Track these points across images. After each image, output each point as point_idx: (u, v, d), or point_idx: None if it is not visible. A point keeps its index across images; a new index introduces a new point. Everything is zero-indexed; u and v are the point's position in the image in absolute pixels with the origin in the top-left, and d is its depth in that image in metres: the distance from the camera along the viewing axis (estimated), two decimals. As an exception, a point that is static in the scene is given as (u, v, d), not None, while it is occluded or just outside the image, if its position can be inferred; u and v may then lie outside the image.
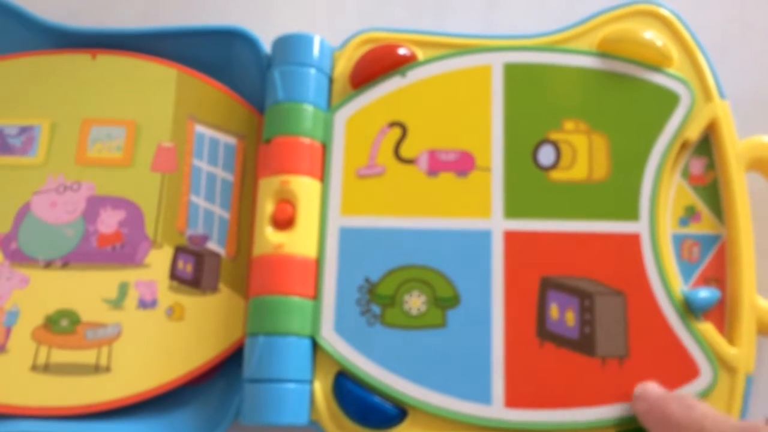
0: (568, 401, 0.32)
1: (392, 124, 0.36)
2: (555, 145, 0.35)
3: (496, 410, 0.32)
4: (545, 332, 0.33)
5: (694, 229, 0.34)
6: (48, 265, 0.35)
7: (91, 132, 0.37)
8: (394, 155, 0.35)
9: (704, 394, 0.31)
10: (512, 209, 0.34)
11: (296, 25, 0.38)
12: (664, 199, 0.34)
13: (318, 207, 0.35)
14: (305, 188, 0.34)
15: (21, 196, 0.36)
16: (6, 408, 0.33)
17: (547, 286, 0.33)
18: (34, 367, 0.34)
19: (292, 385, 0.32)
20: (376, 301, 0.33)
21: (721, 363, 0.32)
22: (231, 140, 0.37)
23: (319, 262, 0.34)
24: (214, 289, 0.35)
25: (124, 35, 0.38)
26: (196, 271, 0.35)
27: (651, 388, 0.31)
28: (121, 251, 0.35)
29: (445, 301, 0.33)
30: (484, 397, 0.32)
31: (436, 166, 0.35)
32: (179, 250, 0.35)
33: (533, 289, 0.33)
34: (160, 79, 0.38)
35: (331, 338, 0.33)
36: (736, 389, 0.32)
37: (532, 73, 0.36)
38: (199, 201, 0.36)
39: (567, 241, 0.34)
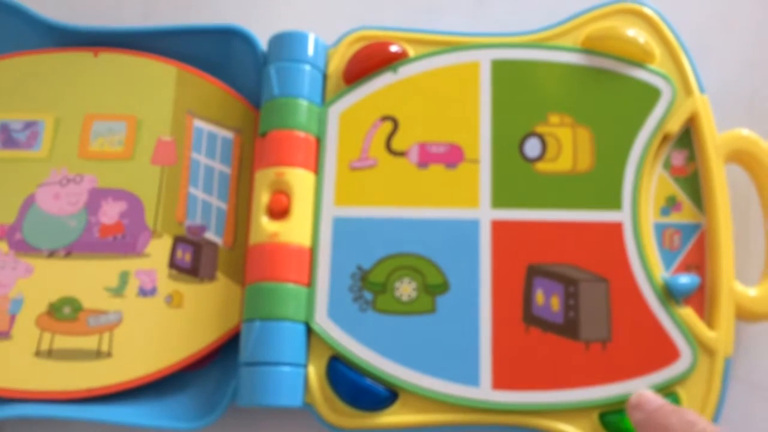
0: (553, 383, 0.33)
1: (384, 118, 0.37)
2: (541, 137, 0.36)
3: (484, 392, 0.33)
4: (531, 317, 0.34)
5: (675, 218, 0.35)
6: (51, 254, 0.36)
7: (93, 127, 0.39)
8: (386, 148, 0.37)
9: (684, 376, 0.33)
10: (499, 199, 0.35)
11: (291, 24, 0.39)
12: (646, 189, 0.35)
13: (312, 198, 0.36)
14: (300, 180, 0.36)
15: (25, 188, 0.37)
16: (11, 392, 0.34)
17: (533, 273, 0.34)
18: (38, 353, 0.35)
19: (286, 369, 0.33)
20: (368, 288, 0.34)
21: (700, 346, 0.33)
22: (228, 134, 0.38)
23: (313, 251, 0.35)
24: (211, 277, 0.36)
25: (126, 34, 0.40)
26: (194, 260, 0.36)
27: (648, 397, 0.30)
28: (122, 241, 0.37)
29: (434, 288, 0.34)
30: (473, 380, 0.33)
31: (426, 158, 0.36)
32: (178, 240, 0.37)
33: (520, 276, 0.34)
34: (160, 76, 0.39)
35: (324, 323, 0.34)
36: (715, 371, 0.33)
37: (518, 69, 0.37)
38: (198, 193, 0.37)
39: (552, 229, 0.35)
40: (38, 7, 0.40)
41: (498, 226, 0.35)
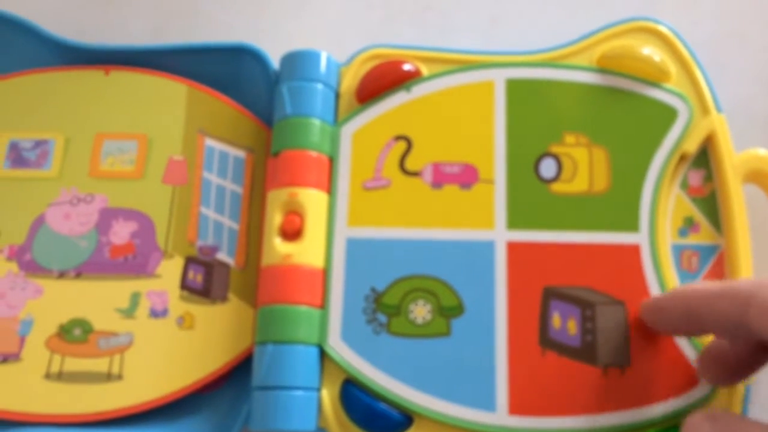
0: (570, 409, 0.32)
1: (397, 138, 0.37)
2: (556, 158, 0.36)
3: (500, 417, 0.32)
4: (548, 341, 0.33)
5: (693, 240, 0.35)
6: (61, 275, 0.36)
7: (103, 146, 0.38)
8: (400, 168, 0.36)
9: (704, 403, 0.32)
10: (515, 220, 0.35)
11: (303, 42, 0.39)
12: (664, 210, 0.35)
13: (325, 218, 0.35)
14: (313, 200, 0.35)
15: (36, 208, 0.37)
16: (20, 415, 0.34)
17: (550, 295, 0.34)
18: (48, 375, 0.34)
19: (300, 393, 0.33)
20: (382, 310, 0.34)
21: (720, 371, 0.33)
22: (240, 153, 0.38)
23: (326, 272, 0.35)
24: (223, 298, 0.36)
25: (136, 52, 0.39)
26: (206, 281, 0.36)
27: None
28: (133, 262, 0.36)
29: (449, 311, 0.34)
30: (488, 405, 0.33)
31: (440, 178, 0.36)
32: (190, 261, 0.36)
33: (536, 299, 0.34)
34: (171, 94, 0.39)
35: (338, 346, 0.34)
36: (735, 398, 0.32)
37: (533, 88, 0.37)
38: (209, 213, 0.37)
39: (568, 251, 0.34)
40: (49, 25, 0.40)
41: (513, 248, 0.35)
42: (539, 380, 0.33)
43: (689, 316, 0.29)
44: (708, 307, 0.28)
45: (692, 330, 0.30)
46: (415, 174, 0.36)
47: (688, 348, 0.33)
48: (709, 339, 0.32)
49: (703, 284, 0.29)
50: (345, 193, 0.36)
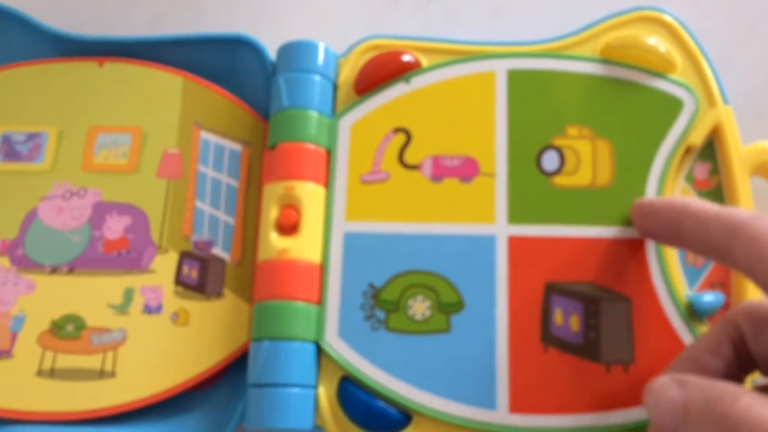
0: (572, 406, 0.32)
1: (396, 130, 0.36)
2: (559, 150, 0.35)
3: (501, 415, 0.32)
4: (550, 337, 0.33)
5: (698, 234, 0.34)
6: (54, 270, 0.35)
7: (97, 139, 0.38)
8: (399, 161, 0.36)
9: (710, 400, 0.31)
10: (516, 214, 0.34)
11: (301, 33, 0.38)
12: (669, 204, 0.34)
13: (322, 212, 0.35)
14: (310, 194, 0.35)
15: (28, 202, 0.37)
16: (12, 413, 0.33)
17: (552, 291, 0.33)
18: (40, 372, 0.34)
19: (296, 390, 0.32)
20: (380, 306, 0.33)
21: (726, 368, 0.32)
22: (236, 146, 0.37)
23: (323, 268, 0.34)
24: (218, 294, 0.35)
25: (131, 43, 0.39)
26: (201, 276, 0.35)
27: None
28: (127, 257, 0.36)
29: (449, 306, 0.33)
30: (489, 402, 0.32)
31: (440, 171, 0.35)
32: (184, 256, 0.36)
33: (537, 295, 0.33)
34: (166, 86, 0.38)
35: (335, 343, 0.33)
36: (742, 395, 0.32)
37: (535, 79, 0.36)
38: (205, 207, 0.36)
39: (571, 246, 0.34)
40: (42, 17, 0.39)
41: (515, 243, 0.34)
42: (541, 377, 0.32)
43: (678, 229, 0.29)
44: (699, 226, 0.28)
45: (676, 242, 0.30)
46: (414, 167, 0.35)
47: (693, 345, 0.32)
48: None
49: (701, 203, 0.28)
50: (343, 187, 0.35)
